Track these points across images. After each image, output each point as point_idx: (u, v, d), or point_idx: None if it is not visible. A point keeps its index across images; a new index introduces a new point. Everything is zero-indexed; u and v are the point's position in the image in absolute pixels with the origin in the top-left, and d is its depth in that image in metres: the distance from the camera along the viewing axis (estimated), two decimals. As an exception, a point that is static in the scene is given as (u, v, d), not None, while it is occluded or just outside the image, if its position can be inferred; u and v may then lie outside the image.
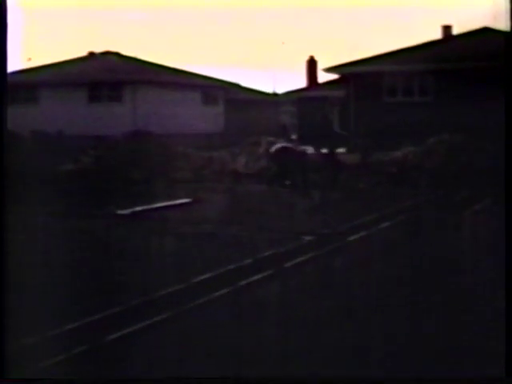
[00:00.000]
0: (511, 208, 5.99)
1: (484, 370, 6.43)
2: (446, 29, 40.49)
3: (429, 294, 9.08)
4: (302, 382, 6.33)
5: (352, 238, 12.78)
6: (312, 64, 48.18)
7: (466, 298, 8.84)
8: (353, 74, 35.28)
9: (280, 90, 53.56)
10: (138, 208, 16.32)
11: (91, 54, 45.32)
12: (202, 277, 9.47)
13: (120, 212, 15.86)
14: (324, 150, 26.33)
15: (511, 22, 6.13)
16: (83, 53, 45.79)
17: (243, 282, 9.29)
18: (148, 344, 7.30)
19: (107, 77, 39.69)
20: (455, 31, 39.47)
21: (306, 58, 48.75)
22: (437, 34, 40.36)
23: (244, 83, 49.55)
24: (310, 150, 27.37)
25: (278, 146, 25.71)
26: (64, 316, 7.52)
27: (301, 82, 55.77)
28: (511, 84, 6.08)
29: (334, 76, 40.98)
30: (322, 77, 49.08)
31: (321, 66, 44.78)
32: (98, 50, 45.78)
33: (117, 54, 44.20)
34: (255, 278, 9.58)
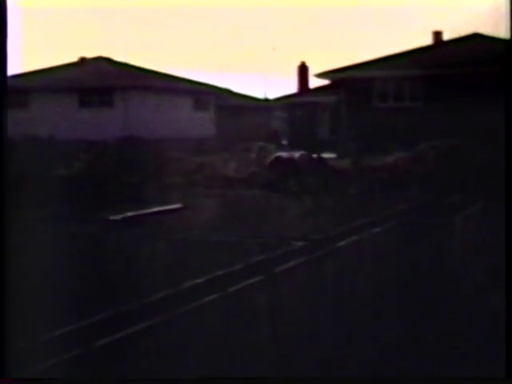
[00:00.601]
0: (511, 208, 6.00)
1: (484, 370, 6.45)
2: (437, 34, 40.61)
3: (425, 296, 9.10)
4: (301, 382, 6.34)
5: (343, 243, 12.77)
6: (303, 69, 48.27)
7: (463, 300, 8.87)
8: (344, 79, 35.36)
9: (271, 96, 53.67)
10: (130, 213, 16.29)
11: (82, 60, 45.30)
12: (193, 282, 9.46)
13: (111, 217, 15.84)
14: (314, 156, 26.36)
15: (511, 25, 6.14)
16: (77, 56, 45.87)
17: (234, 288, 9.29)
18: (140, 348, 7.30)
19: (98, 82, 39.69)
20: (453, 35, 39.54)
21: (298, 63, 48.89)
22: (429, 40, 40.53)
23: (235, 88, 49.63)
24: (302, 155, 27.40)
25: (276, 155, 25.70)
26: (54, 320, 7.51)
27: (292, 87, 55.85)
28: (511, 87, 6.09)
29: (325, 81, 41.06)
30: (314, 82, 49.25)
31: (312, 71, 44.94)
32: (89, 54, 45.83)
33: (108, 60, 44.19)
34: (246, 283, 9.58)
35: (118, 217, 15.89)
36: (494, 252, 9.41)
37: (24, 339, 6.68)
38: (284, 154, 26.87)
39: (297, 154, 26.84)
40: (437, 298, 9.00)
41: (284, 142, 43.22)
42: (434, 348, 7.10)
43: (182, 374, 6.65)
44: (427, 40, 40.44)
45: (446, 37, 40.28)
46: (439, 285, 9.68)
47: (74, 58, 45.62)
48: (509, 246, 5.94)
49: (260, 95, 56.54)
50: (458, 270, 10.51)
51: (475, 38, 36.43)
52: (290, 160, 25.40)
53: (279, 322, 8.15)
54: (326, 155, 28.59)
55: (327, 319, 8.23)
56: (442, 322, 7.99)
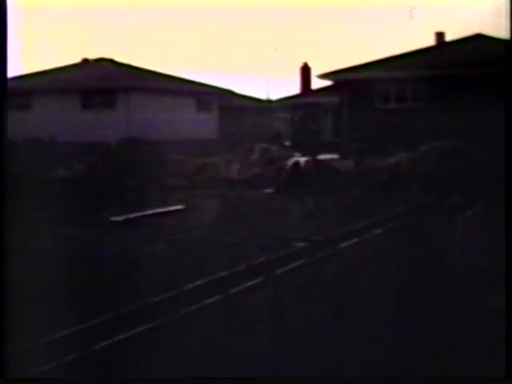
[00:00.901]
0: (511, 208, 6.00)
1: (484, 370, 6.44)
2: (439, 35, 40.57)
3: (426, 296, 9.09)
4: (301, 382, 6.34)
5: (345, 244, 12.77)
6: (306, 70, 48.24)
7: (464, 300, 8.86)
8: (346, 80, 35.34)
9: (274, 97, 53.64)
10: (132, 215, 16.30)
11: (85, 61, 45.31)
12: (195, 283, 9.46)
13: (113, 219, 15.85)
14: (317, 158, 26.34)
15: (511, 25, 6.14)
16: (79, 57, 45.90)
17: (235, 289, 9.30)
18: (141, 349, 7.31)
19: (101, 83, 39.70)
20: (455, 36, 39.44)
21: (300, 64, 48.87)
22: (431, 41, 40.49)
23: (238, 90, 49.61)
24: (307, 158, 27.35)
25: (295, 160, 25.58)
26: (56, 322, 7.52)
27: (295, 88, 55.86)
28: (511, 88, 6.09)
29: (327, 82, 41.04)
30: (316, 83, 49.21)
31: (315, 72, 44.88)
32: (91, 55, 45.86)
33: (110, 61, 44.19)
34: (247, 284, 9.59)
35: (120, 218, 15.90)
36: (495, 253, 9.40)
37: (24, 340, 6.69)
38: (303, 159, 26.70)
39: (303, 158, 26.77)
40: (437, 298, 9.00)
41: (287, 143, 43.18)
42: (433, 348, 7.10)
43: (183, 374, 6.65)
44: (430, 41, 40.43)
45: (447, 38, 40.28)
46: (440, 285, 9.68)
47: (75, 60, 45.70)
48: (509, 246, 5.94)
49: (263, 96, 56.56)
50: (459, 271, 10.51)
51: (478, 39, 36.41)
52: (297, 163, 25.33)
53: (281, 322, 8.15)
54: (328, 156, 28.57)
55: (329, 320, 8.23)
56: (443, 322, 7.98)
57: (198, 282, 9.49)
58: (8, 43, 5.79)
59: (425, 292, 9.37)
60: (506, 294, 5.98)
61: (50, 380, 6.14)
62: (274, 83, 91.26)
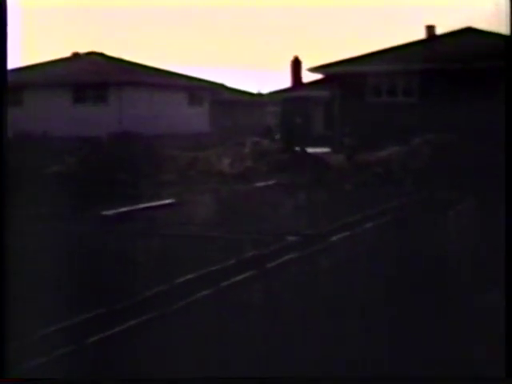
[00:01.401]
0: (511, 208, 6.01)
1: (484, 370, 6.44)
2: (430, 29, 40.58)
3: (419, 293, 9.09)
4: (301, 382, 6.34)
5: (336, 238, 12.78)
6: (296, 64, 48.20)
7: (461, 298, 8.87)
8: (337, 74, 35.33)
9: (265, 91, 53.62)
10: (123, 209, 16.27)
11: (76, 55, 45.19)
12: (185, 278, 9.46)
13: (104, 213, 15.81)
14: (307, 151, 26.37)
15: (511, 23, 6.15)
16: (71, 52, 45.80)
17: (225, 283, 9.30)
18: (134, 345, 7.30)
19: (92, 78, 39.62)
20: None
21: (291, 57, 48.81)
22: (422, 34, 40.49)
23: (229, 83, 49.58)
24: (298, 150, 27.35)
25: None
26: (50, 318, 7.50)
27: (286, 82, 55.81)
28: (511, 84, 6.10)
29: (318, 76, 41.04)
30: (307, 77, 49.21)
31: (305, 65, 44.88)
32: (84, 49, 45.77)
33: (101, 55, 44.10)
34: (237, 278, 9.59)
35: (110, 212, 15.87)
36: (488, 247, 9.41)
37: (21, 338, 6.67)
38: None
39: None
40: (431, 295, 9.00)
41: (277, 137, 43.20)
42: (430, 347, 7.10)
43: (176, 369, 6.64)
44: (420, 34, 40.44)
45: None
46: (433, 281, 9.68)
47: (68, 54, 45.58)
48: (509, 245, 5.93)
49: (254, 90, 56.56)
50: (453, 266, 10.52)
51: (468, 33, 36.44)
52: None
53: (271, 317, 8.16)
54: (319, 150, 28.58)
55: (320, 315, 8.23)
56: (441, 320, 7.99)
57: (188, 276, 9.49)
58: (8, 42, 5.77)
59: (420, 288, 9.37)
60: (506, 294, 5.97)
61: (50, 380, 6.13)
62: (265, 77, 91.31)
